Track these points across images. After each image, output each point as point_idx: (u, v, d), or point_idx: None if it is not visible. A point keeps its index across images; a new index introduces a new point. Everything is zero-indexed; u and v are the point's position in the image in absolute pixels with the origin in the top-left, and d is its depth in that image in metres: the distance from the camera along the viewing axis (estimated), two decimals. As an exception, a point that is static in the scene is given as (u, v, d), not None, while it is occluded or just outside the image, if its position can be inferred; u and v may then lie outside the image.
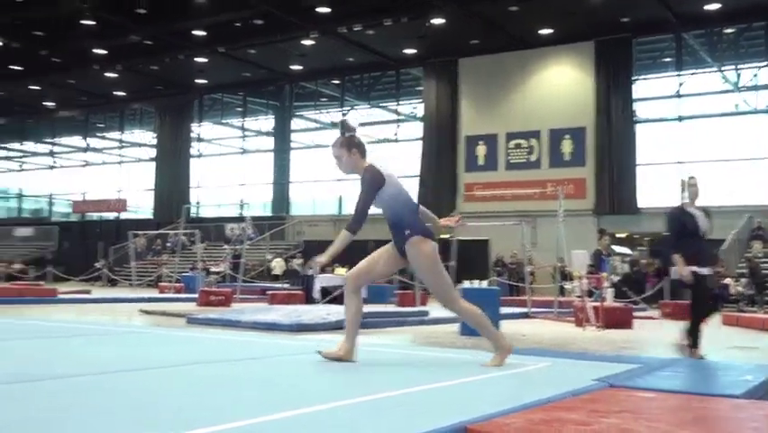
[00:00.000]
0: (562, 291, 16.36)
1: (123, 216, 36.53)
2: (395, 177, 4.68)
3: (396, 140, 31.70)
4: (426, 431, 2.68)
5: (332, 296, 14.15)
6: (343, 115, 32.87)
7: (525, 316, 13.13)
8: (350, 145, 4.65)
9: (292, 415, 2.91)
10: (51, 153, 43.11)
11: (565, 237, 14.32)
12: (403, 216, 4.58)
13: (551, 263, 17.61)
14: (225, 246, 27.36)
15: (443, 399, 3.49)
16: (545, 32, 24.55)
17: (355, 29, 24.77)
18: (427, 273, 4.67)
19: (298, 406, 3.08)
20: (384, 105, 32.61)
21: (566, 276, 15.95)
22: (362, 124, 33.02)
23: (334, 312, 9.63)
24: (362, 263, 4.79)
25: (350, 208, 31.84)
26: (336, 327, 8.70)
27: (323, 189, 31.56)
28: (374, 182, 4.53)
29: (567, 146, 25.06)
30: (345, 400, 3.29)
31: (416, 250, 4.56)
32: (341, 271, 16.20)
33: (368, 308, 11.26)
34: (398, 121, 32.15)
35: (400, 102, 31.92)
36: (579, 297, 11.97)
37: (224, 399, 3.32)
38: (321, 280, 15.18)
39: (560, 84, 25.42)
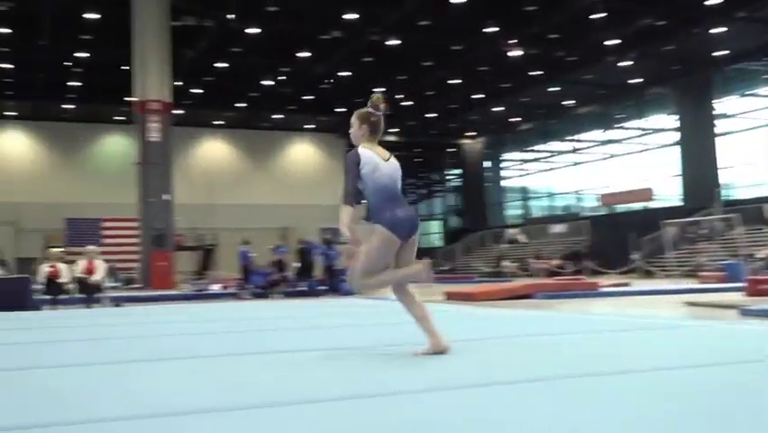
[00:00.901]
0: None
1: (650, 205, 35.91)
2: (380, 164, 4.49)
3: None
4: None
5: None
6: None
7: None
8: (363, 120, 4.63)
9: None
10: (574, 150, 44.80)
11: None
12: (373, 204, 4.51)
13: None
14: (767, 228, 24.84)
15: None
16: None
17: None
18: (367, 246, 4.45)
19: None
20: None
21: None
22: None
23: None
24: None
25: None
26: None
27: None
28: (350, 164, 4.49)
29: None
30: None
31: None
32: None
33: None
34: None
35: None
36: None
37: None
38: None
39: None
